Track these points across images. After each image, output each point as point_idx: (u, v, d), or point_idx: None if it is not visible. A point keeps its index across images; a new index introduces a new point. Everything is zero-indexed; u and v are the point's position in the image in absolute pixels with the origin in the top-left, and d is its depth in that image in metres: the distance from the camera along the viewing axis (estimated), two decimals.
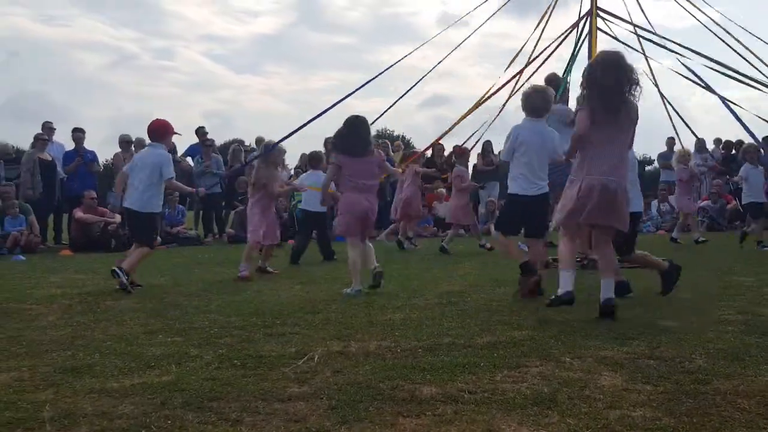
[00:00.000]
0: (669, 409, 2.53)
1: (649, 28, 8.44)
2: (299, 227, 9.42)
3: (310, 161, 9.08)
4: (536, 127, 5.35)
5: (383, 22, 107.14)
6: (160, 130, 6.53)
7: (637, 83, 4.35)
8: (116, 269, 5.95)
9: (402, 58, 8.76)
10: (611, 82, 4.28)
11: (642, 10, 9.18)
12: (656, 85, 8.05)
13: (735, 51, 8.03)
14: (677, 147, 11.41)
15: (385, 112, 9.43)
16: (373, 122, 7.56)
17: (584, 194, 4.31)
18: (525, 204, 5.33)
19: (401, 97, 9.44)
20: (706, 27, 8.33)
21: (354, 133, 5.77)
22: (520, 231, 5.71)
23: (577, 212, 4.35)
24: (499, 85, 8.60)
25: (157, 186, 6.33)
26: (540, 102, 5.37)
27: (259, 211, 7.06)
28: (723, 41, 8.23)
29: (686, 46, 8.21)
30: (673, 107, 8.11)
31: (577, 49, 8.33)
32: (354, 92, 8.61)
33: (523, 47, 8.60)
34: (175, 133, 6.84)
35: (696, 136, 10.94)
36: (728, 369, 3.07)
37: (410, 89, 9.14)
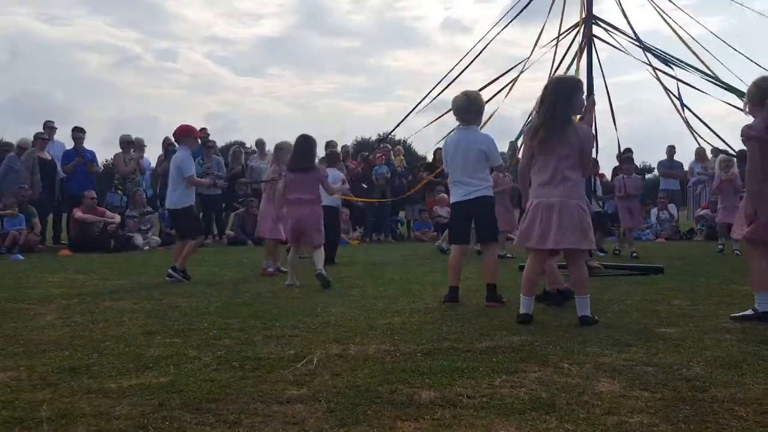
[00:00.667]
0: (666, 416, 2.53)
1: (642, 36, 8.38)
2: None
3: (328, 159, 9.33)
4: (464, 134, 5.34)
5: (387, 26, 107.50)
6: (182, 132, 7.16)
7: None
8: (170, 274, 6.81)
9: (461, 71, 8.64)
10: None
11: (628, 22, 9.14)
12: (667, 90, 7.99)
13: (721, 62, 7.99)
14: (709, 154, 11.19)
15: (405, 120, 9.25)
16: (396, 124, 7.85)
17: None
18: (465, 211, 5.37)
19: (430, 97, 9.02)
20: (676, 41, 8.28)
21: (299, 151, 6.66)
22: (469, 239, 5.84)
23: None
24: (494, 92, 8.55)
25: (184, 183, 6.96)
26: (464, 107, 5.35)
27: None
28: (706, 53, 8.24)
29: (673, 56, 8.16)
30: (690, 110, 8.04)
31: (571, 56, 8.32)
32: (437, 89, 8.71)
33: (529, 56, 8.56)
34: (199, 135, 7.32)
35: (709, 143, 10.83)
36: (726, 377, 3.07)
37: (426, 97, 8.88)
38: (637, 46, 8.16)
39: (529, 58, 8.38)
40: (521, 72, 8.39)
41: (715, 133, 8.25)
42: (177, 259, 6.93)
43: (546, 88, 4.53)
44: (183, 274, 6.88)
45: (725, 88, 7.82)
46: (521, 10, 8.46)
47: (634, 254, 9.40)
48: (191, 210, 7.17)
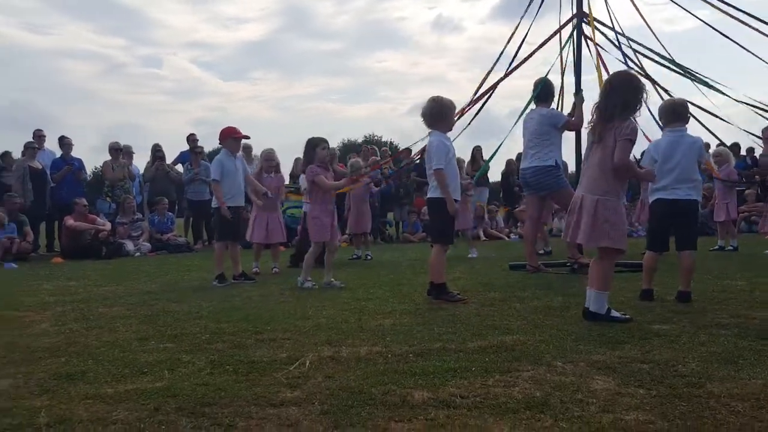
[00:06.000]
0: (662, 413, 2.52)
1: (632, 33, 8.43)
2: (304, 231, 9.45)
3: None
4: (430, 139, 5.58)
5: (369, 28, 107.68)
6: (222, 134, 7.19)
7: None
8: (236, 280, 6.93)
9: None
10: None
11: (612, 19, 9.19)
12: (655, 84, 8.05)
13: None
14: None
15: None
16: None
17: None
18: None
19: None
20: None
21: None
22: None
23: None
24: (482, 91, 8.56)
25: (222, 186, 6.98)
26: (427, 112, 5.52)
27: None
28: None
29: (654, 52, 8.20)
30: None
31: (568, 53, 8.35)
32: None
33: (503, 51, 8.57)
34: (241, 137, 7.29)
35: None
36: (722, 372, 3.06)
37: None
38: (616, 47, 8.20)
39: (528, 57, 8.42)
40: (517, 66, 8.43)
41: (706, 128, 8.29)
42: (233, 265, 7.08)
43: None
44: (244, 277, 7.08)
45: (702, 83, 7.87)
46: (539, 6, 8.46)
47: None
48: (230, 214, 6.98)
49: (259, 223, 8.02)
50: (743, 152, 15.20)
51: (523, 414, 2.54)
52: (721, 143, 9.75)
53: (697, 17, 8.91)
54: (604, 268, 4.42)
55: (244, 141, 7.70)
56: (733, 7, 7.61)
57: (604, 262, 4.44)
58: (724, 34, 8.01)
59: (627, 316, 4.38)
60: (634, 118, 4.43)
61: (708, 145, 12.22)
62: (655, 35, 12.28)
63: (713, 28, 8.04)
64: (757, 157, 13.84)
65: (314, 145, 6.63)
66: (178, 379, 3.10)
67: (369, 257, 9.70)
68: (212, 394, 2.85)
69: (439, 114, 5.51)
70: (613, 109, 4.33)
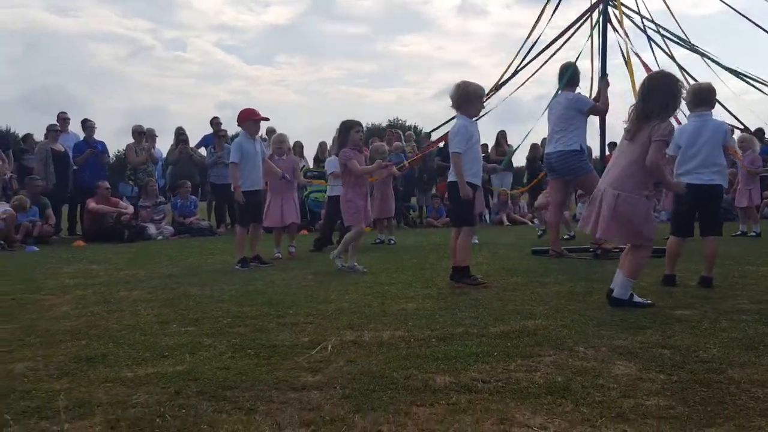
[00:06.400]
0: (683, 398, 2.51)
1: (661, 16, 8.34)
2: (327, 215, 9.47)
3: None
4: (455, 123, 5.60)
5: (395, 12, 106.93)
6: (241, 116, 7.13)
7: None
8: (252, 263, 6.90)
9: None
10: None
11: (638, 3, 8.97)
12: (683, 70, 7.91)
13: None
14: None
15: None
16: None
17: None
18: None
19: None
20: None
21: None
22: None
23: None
24: (508, 75, 8.50)
25: (240, 169, 6.93)
26: (454, 96, 5.50)
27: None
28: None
29: (685, 39, 8.04)
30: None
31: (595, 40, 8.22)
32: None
33: (528, 37, 8.48)
34: (260, 118, 7.22)
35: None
36: (742, 358, 3.05)
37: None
38: (642, 31, 8.05)
39: (552, 42, 8.33)
40: (553, 54, 8.35)
41: (729, 112, 8.15)
42: (251, 247, 7.12)
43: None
44: (258, 260, 7.08)
45: (729, 70, 7.73)
46: None
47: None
48: (246, 198, 6.97)
49: (273, 206, 8.03)
50: None
51: (544, 399, 2.53)
52: (746, 129, 9.57)
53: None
54: (637, 257, 4.40)
55: (268, 124, 7.68)
56: None
57: (639, 252, 4.42)
58: (747, 17, 7.85)
59: (649, 302, 4.35)
60: (671, 119, 4.41)
61: (732, 131, 12.04)
62: (675, 19, 12.05)
63: (736, 10, 7.88)
64: None
65: (349, 127, 6.56)
66: (199, 363, 3.12)
67: (392, 242, 9.71)
68: (233, 377, 2.87)
69: (464, 99, 5.48)
70: (650, 111, 4.30)
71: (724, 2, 8.13)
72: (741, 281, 5.30)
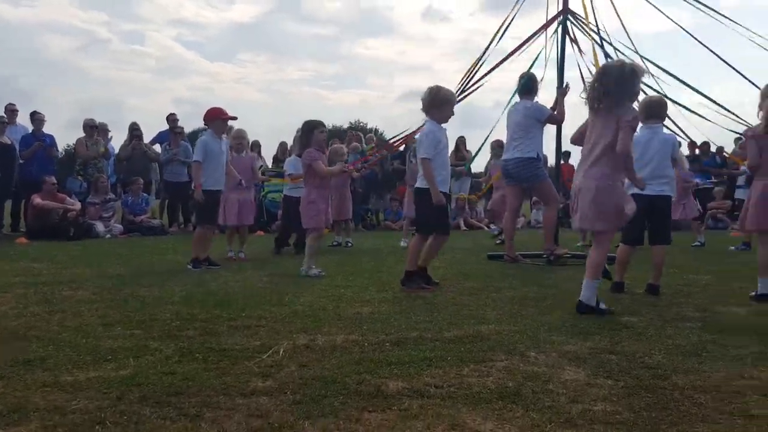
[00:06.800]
0: (629, 404, 2.56)
1: (619, 31, 8.56)
2: (284, 215, 9.35)
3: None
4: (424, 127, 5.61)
5: (360, 14, 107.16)
6: (209, 114, 6.97)
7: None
8: (198, 266, 6.68)
9: None
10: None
11: (595, 18, 9.23)
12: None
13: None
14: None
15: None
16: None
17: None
18: None
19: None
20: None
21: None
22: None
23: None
24: (469, 84, 8.59)
25: (204, 168, 6.81)
26: (426, 100, 5.49)
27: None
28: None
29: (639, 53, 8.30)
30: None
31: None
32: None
33: (488, 46, 8.61)
34: (228, 118, 7.06)
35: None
36: (686, 364, 3.14)
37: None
38: (599, 45, 8.24)
39: (513, 51, 8.44)
40: (501, 61, 8.44)
41: (676, 126, 8.40)
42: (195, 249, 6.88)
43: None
44: (208, 262, 6.89)
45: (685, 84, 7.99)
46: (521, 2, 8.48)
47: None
48: (207, 197, 6.82)
49: (230, 205, 7.87)
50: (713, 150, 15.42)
51: (495, 404, 2.54)
52: (693, 143, 9.90)
53: (671, 19, 9.04)
54: (598, 254, 4.47)
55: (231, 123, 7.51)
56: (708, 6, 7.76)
57: (599, 248, 4.49)
58: (694, 37, 8.14)
59: (611, 309, 4.44)
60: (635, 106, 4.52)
61: (680, 144, 12.42)
62: (628, 35, 12.40)
63: (682, 27, 8.17)
64: (726, 156, 14.05)
65: (312, 127, 6.43)
66: (143, 367, 3.02)
67: (349, 244, 9.66)
68: (179, 383, 2.78)
69: (435, 103, 5.44)
70: (611, 98, 4.37)
71: (674, 21, 8.39)
72: (686, 289, 5.45)
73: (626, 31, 8.84)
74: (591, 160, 4.43)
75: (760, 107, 5.00)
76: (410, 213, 9.81)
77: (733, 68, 7.55)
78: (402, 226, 11.12)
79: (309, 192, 6.39)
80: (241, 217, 7.91)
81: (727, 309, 4.64)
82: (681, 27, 8.11)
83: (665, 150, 5.26)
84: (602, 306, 4.40)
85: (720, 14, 7.83)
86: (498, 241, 10.20)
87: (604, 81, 4.40)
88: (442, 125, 5.55)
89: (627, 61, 4.64)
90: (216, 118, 6.94)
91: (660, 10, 8.25)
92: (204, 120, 7.04)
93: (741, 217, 5.32)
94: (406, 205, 9.99)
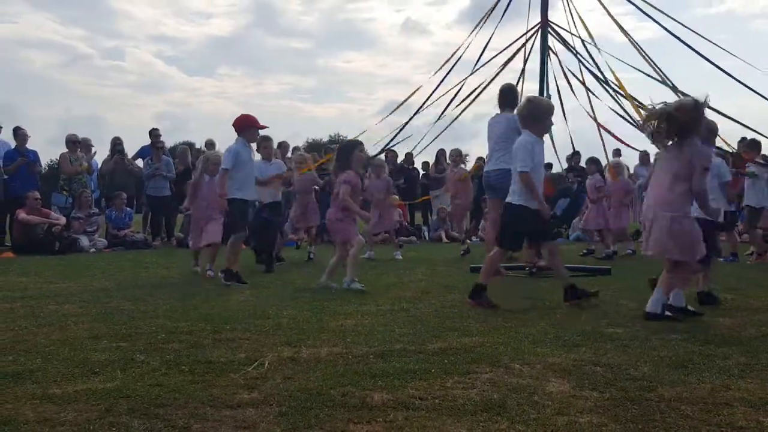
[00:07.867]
0: (615, 416, 2.57)
1: (594, 42, 8.70)
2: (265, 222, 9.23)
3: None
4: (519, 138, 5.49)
5: (338, 28, 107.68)
6: (240, 122, 6.83)
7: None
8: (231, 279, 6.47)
9: None
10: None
11: (586, 28, 9.44)
12: (590, 101, 8.33)
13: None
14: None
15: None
16: None
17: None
18: None
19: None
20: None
21: None
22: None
23: None
24: (440, 93, 8.78)
25: (233, 177, 6.67)
26: (524, 112, 5.40)
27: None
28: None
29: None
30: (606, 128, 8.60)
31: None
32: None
33: (461, 55, 8.80)
34: (259, 126, 6.97)
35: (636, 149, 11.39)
36: (672, 376, 3.14)
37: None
38: (575, 55, 8.40)
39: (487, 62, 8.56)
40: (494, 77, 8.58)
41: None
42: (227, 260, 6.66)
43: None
44: (237, 277, 6.57)
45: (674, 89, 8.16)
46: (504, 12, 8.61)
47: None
48: (233, 207, 6.75)
49: (196, 226, 7.64)
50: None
51: (480, 416, 2.55)
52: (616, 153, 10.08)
53: (660, 24, 9.23)
54: (676, 275, 4.68)
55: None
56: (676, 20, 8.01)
57: (677, 271, 4.68)
58: (682, 41, 8.32)
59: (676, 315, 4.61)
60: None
61: (619, 152, 12.94)
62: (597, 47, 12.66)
63: (672, 33, 8.34)
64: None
65: (352, 147, 6.46)
66: (131, 380, 3.02)
67: (312, 256, 9.42)
68: (166, 395, 2.79)
69: (535, 115, 5.26)
70: (684, 135, 4.51)
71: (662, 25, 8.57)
72: None
73: (596, 44, 8.92)
74: (665, 189, 4.58)
75: None
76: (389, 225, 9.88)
77: (732, 75, 7.71)
78: (384, 240, 11.06)
79: (335, 211, 6.34)
80: (208, 236, 7.53)
81: (712, 320, 4.65)
82: (674, 36, 8.28)
83: (712, 173, 5.24)
84: (668, 313, 4.58)
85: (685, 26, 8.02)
86: (462, 252, 10.23)
87: (681, 118, 4.48)
88: (541, 138, 5.32)
89: (698, 99, 4.69)
90: (251, 126, 6.85)
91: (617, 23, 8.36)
92: (235, 128, 6.83)
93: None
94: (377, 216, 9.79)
